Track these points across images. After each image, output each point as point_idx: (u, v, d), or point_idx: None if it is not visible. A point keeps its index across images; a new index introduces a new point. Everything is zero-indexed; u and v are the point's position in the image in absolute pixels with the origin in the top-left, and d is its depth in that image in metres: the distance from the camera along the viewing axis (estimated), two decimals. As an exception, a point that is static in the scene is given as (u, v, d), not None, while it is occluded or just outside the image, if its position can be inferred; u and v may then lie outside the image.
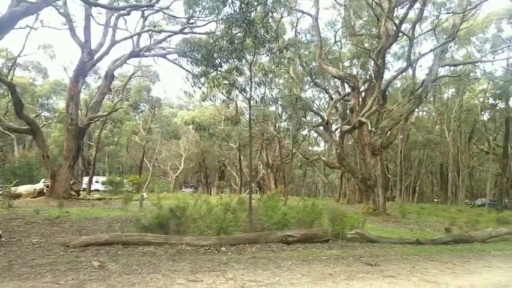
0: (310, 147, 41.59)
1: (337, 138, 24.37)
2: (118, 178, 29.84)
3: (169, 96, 78.37)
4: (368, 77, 20.26)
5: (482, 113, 35.00)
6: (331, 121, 25.28)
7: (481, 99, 34.71)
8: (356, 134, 21.29)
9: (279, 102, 29.33)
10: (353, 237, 10.62)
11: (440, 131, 36.06)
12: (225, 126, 24.11)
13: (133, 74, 33.92)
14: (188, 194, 30.21)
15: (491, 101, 33.77)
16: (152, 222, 9.34)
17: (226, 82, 12.88)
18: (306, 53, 24.19)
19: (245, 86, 12.23)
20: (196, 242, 8.67)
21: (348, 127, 19.43)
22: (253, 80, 12.62)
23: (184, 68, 14.91)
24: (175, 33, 25.26)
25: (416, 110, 25.48)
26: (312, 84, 25.31)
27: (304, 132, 38.54)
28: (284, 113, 33.74)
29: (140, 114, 49.52)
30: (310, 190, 59.64)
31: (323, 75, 23.96)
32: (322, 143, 49.09)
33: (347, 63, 28.40)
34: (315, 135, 38.20)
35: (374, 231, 12.03)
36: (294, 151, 32.45)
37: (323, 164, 42.60)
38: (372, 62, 19.70)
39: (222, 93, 16.72)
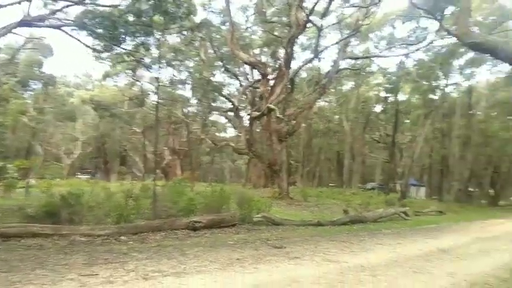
0: (218, 134, 41.43)
1: (246, 124, 24.56)
2: (1, 163, 26.26)
3: (65, 74, 71.32)
4: (277, 65, 20.61)
5: (376, 105, 38.40)
6: (241, 107, 25.31)
7: (376, 92, 38.06)
8: (264, 120, 21.65)
9: (189, 85, 28.66)
10: (259, 220, 10.70)
11: (339, 120, 38.73)
12: (128, 108, 22.60)
13: (22, 46, 29.92)
14: (84, 180, 27.96)
15: (384, 94, 37.13)
16: (40, 211, 8.23)
17: (131, 59, 11.90)
18: (218, 37, 23.75)
19: (152, 65, 11.41)
20: (92, 231, 7.86)
21: (257, 113, 19.65)
22: (162, 59, 11.87)
23: (82, 43, 13.41)
24: (75, 3, 22.66)
25: (319, 100, 26.77)
26: (223, 69, 24.96)
27: (213, 118, 38.32)
28: (193, 97, 33.09)
29: (31, 93, 44.14)
30: (217, 176, 59.78)
31: (234, 61, 23.77)
32: (230, 129, 49.45)
33: (257, 51, 28.58)
34: (224, 121, 38.22)
35: (279, 214, 12.30)
36: (202, 136, 32.02)
37: (231, 150, 42.98)
38: (282, 50, 20.08)
39: (127, 72, 15.58)
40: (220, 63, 23.63)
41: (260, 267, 6.23)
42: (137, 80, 20.12)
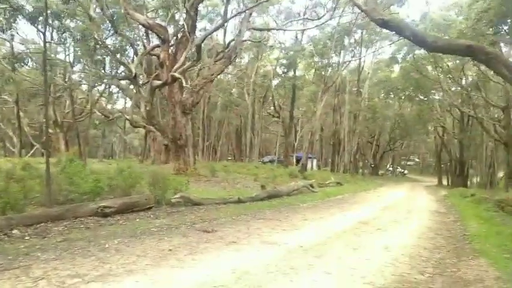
0: (109, 105, 37.63)
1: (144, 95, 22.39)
2: None
3: None
4: (181, 30, 18.90)
5: (274, 79, 38.97)
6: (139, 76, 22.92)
7: (273, 67, 38.62)
8: (167, 91, 20.00)
9: (74, 48, 24.98)
10: (177, 201, 9.63)
11: (239, 94, 38.44)
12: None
13: None
14: None
15: (282, 69, 37.75)
16: None
17: (4, 6, 9.41)
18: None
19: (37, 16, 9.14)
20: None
21: (159, 82, 17.90)
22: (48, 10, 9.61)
23: None
24: None
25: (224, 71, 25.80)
26: (112, 32, 22.04)
27: (102, 87, 34.55)
28: (79, 62, 29.15)
29: None
30: (106, 151, 55.17)
31: (128, 23, 21.19)
32: (121, 100, 45.58)
33: (150, 14, 26.04)
34: (115, 90, 34.70)
35: (192, 192, 11.33)
36: (90, 108, 28.58)
37: (124, 122, 39.69)
38: (184, 14, 18.49)
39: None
40: (110, 24, 20.66)
41: (199, 259, 5.34)
42: (13, 33, 16.40)
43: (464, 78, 31.52)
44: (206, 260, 5.33)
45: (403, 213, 12.07)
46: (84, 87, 31.92)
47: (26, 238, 5.93)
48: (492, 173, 34.68)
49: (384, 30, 32.94)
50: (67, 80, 29.11)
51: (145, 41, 24.92)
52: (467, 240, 7.97)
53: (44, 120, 19.16)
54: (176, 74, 16.19)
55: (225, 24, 17.45)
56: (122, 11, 18.90)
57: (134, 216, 8.10)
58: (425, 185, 41.73)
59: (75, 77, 32.23)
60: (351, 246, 6.80)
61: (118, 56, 20.87)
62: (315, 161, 42.32)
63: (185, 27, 17.27)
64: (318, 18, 23.79)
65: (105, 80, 27.49)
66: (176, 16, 22.28)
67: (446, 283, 5.08)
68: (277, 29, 28.71)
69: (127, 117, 24.07)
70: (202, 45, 19.70)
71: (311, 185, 16.95)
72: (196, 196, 10.31)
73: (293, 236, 7.33)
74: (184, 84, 16.30)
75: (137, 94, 20.99)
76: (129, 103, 34.26)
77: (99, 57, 22.60)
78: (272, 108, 46.43)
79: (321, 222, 9.16)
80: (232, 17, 17.43)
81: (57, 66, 26.83)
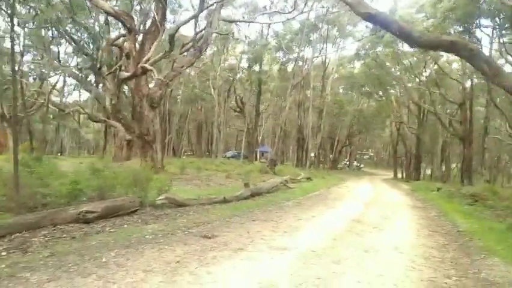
0: (63, 98, 35.07)
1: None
2: None
3: None
4: (150, 19, 17.75)
5: (239, 73, 38.25)
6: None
7: (239, 61, 37.91)
8: (133, 83, 18.80)
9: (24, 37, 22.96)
10: (162, 203, 8.88)
11: (203, 87, 37.35)
12: None
13: None
14: None
15: (247, 63, 37.07)
16: None
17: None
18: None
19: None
20: None
21: (128, 74, 16.72)
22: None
23: None
24: None
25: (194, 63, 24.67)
26: (70, 19, 20.41)
27: (54, 79, 32.19)
28: (30, 52, 26.93)
29: None
30: (58, 148, 51.75)
31: (89, 10, 19.68)
32: (75, 94, 42.95)
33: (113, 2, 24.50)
34: (71, 81, 32.45)
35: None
36: (43, 100, 26.56)
37: (78, 117, 37.43)
38: (153, 2, 17.48)
39: None
40: (67, 11, 19.01)
41: (214, 272, 4.77)
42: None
43: (424, 75, 32.63)
44: (223, 273, 4.76)
45: (386, 209, 12.05)
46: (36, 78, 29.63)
47: (3, 254, 5.02)
48: (447, 167, 36.34)
49: (349, 27, 33.45)
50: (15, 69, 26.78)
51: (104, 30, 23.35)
52: (465, 237, 7.94)
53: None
54: (148, 66, 15.18)
55: (202, 11, 16.53)
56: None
57: (120, 221, 7.29)
58: (382, 178, 43.08)
59: (25, 68, 29.87)
60: (361, 248, 6.50)
61: (82, 44, 19.30)
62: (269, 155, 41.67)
63: (156, 16, 16.23)
64: (289, 12, 23.45)
65: (59, 71, 25.60)
66: (143, 5, 21.05)
67: (478, 287, 4.88)
68: (248, 22, 28.12)
69: (86, 111, 22.51)
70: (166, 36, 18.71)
71: (286, 181, 16.66)
72: (182, 197, 9.59)
73: (297, 239, 6.93)
74: (156, 77, 15.32)
75: (96, 87, 19.61)
76: (84, 96, 32.20)
77: (54, 46, 20.94)
78: (233, 102, 45.64)
79: (316, 221, 8.82)
80: (209, 6, 16.61)
81: (5, 56, 24.62)
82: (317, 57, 34.56)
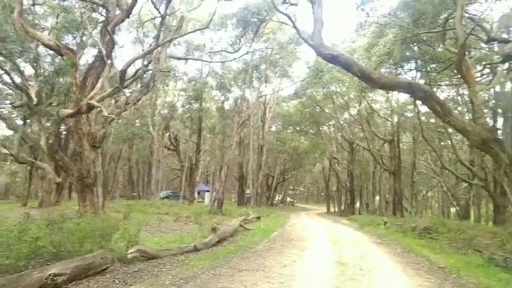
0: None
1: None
2: None
3: None
4: (97, 53, 16.53)
5: (180, 109, 37.30)
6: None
7: (177, 98, 37.24)
8: (72, 121, 17.21)
9: None
10: (133, 256, 7.86)
11: (140, 124, 35.61)
12: None
13: None
14: None
15: (188, 100, 36.23)
16: None
17: None
18: None
19: None
20: None
21: (71, 111, 15.21)
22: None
23: None
24: None
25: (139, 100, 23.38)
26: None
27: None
28: None
29: None
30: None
31: (21, 43, 17.89)
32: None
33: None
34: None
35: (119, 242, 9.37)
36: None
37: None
38: (99, 36, 16.48)
39: None
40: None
41: None
42: None
43: (357, 113, 34.67)
44: None
45: (353, 247, 12.02)
46: None
47: None
48: (382, 200, 38.26)
49: (288, 68, 34.81)
50: None
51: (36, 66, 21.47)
52: (452, 273, 8.06)
53: None
54: (95, 102, 13.97)
55: (159, 46, 15.83)
56: (17, 28, 15.94)
57: (94, 283, 6.21)
58: (317, 213, 44.15)
59: None
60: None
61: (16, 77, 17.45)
62: (208, 194, 40.66)
63: (102, 50, 15.24)
64: (235, 51, 23.66)
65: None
66: (84, 38, 19.86)
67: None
68: (196, 59, 27.84)
69: (12, 152, 20.04)
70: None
71: (245, 222, 16.10)
72: (153, 248, 8.61)
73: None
74: (106, 114, 14.16)
75: (40, 124, 17.63)
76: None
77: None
78: (167, 140, 44.02)
79: (302, 268, 8.36)
80: (165, 42, 16.00)
81: None
82: (261, 96, 35.17)
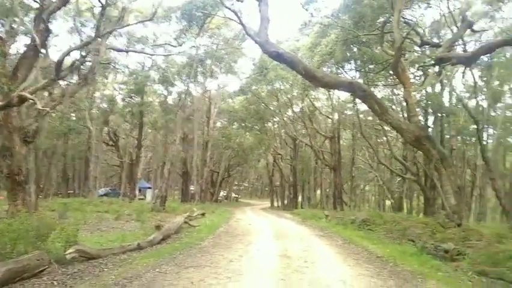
0: None
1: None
2: None
3: None
4: (30, 42, 15.33)
5: (120, 103, 35.73)
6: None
7: (118, 91, 35.76)
8: (1, 115, 15.90)
9: None
10: (72, 257, 7.49)
11: (77, 118, 33.54)
12: None
13: None
14: None
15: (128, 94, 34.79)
16: None
17: None
18: None
19: None
20: None
21: (0, 103, 14.06)
22: None
23: None
24: None
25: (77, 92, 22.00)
26: None
27: None
28: None
29: None
30: None
31: None
32: None
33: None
34: None
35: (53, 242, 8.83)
36: None
37: None
38: (34, 24, 15.36)
39: None
40: None
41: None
42: None
43: (300, 110, 35.58)
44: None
45: (296, 241, 12.36)
46: None
47: None
48: (323, 194, 39.70)
49: (233, 64, 34.76)
50: None
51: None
52: (389, 262, 8.59)
53: None
54: (27, 94, 13.01)
55: (99, 37, 14.98)
56: None
57: (30, 287, 5.84)
58: (261, 208, 44.90)
59: None
60: (316, 286, 6.49)
61: None
62: (150, 191, 39.67)
63: (36, 39, 14.22)
64: (179, 45, 23.21)
65: None
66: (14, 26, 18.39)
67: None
68: (138, 52, 26.80)
69: None
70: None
71: (189, 219, 15.93)
72: (94, 248, 8.24)
73: (248, 284, 6.56)
74: (40, 107, 13.24)
75: None
76: None
77: None
78: (106, 135, 42.09)
79: (248, 262, 8.45)
80: (106, 33, 15.22)
81: None
82: (206, 91, 34.82)
